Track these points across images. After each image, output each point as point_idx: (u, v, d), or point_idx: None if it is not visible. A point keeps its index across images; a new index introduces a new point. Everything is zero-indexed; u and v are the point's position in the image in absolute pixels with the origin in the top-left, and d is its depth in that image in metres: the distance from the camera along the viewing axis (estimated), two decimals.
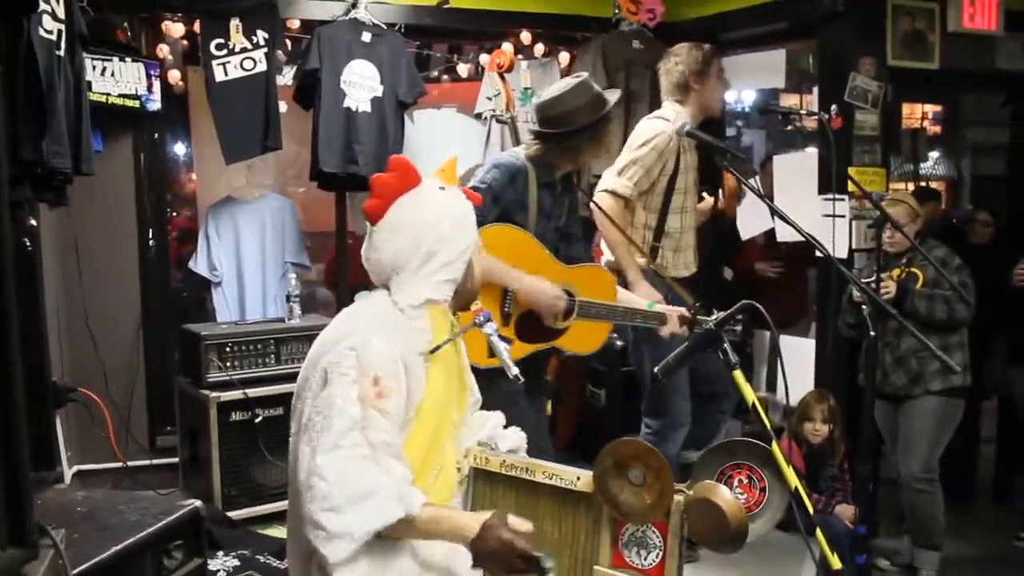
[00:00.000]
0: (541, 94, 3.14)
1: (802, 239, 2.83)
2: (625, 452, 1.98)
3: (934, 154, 8.00)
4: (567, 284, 3.09)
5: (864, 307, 3.29)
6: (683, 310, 3.28)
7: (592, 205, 3.53)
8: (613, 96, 3.12)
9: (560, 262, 3.11)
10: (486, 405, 2.34)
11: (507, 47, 4.83)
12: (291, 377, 3.94)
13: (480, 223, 2.65)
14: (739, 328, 3.31)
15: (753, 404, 2.05)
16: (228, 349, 3.91)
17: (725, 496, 1.91)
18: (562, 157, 3.05)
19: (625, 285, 3.55)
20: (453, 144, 4.76)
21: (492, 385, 2.91)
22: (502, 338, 2.21)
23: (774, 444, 2.00)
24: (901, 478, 3.83)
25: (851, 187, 4.20)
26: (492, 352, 2.19)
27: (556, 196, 3.12)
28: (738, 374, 2.06)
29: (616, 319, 3.21)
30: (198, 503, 2.26)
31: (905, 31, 4.42)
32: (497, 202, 2.94)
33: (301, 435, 1.94)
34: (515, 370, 2.10)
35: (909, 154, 7.48)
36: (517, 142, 4.45)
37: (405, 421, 1.95)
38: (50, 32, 2.81)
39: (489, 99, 4.64)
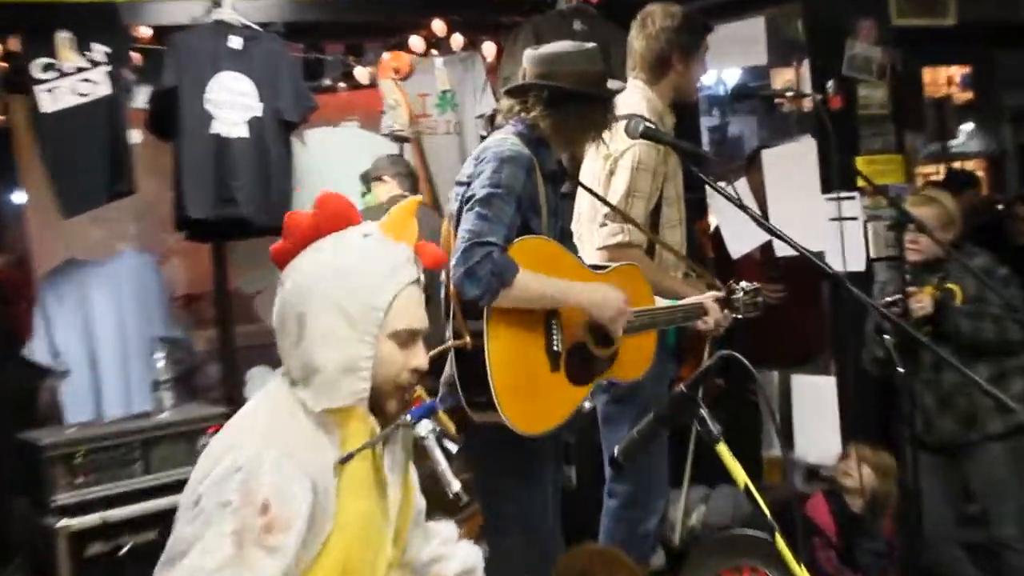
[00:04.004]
0: (539, 48, 3.08)
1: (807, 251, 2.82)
2: (590, 565, 1.92)
3: (967, 127, 8.09)
4: None
5: (886, 336, 3.35)
6: (715, 293, 3.38)
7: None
8: (616, 85, 3.16)
9: (590, 270, 3.13)
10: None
11: (417, 42, 4.82)
12: (165, 490, 3.90)
13: (506, 238, 2.77)
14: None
15: (746, 486, 2.01)
16: (79, 459, 3.76)
17: None
18: (556, 130, 3.01)
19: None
20: (358, 169, 4.86)
21: (482, 466, 2.94)
22: (448, 437, 2.07)
23: (778, 536, 1.94)
24: (993, 546, 3.83)
25: (861, 181, 4.24)
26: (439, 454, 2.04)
27: (556, 185, 3.11)
28: (723, 449, 2.02)
29: (660, 325, 3.29)
30: None
31: None
32: (520, 207, 2.88)
33: None
34: (456, 486, 2.00)
35: (936, 130, 7.55)
36: (425, 165, 4.51)
37: (309, 558, 1.87)
38: None
39: (384, 112, 4.60)
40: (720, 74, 6.43)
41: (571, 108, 2.99)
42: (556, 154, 3.09)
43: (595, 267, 3.20)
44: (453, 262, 2.70)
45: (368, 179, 4.77)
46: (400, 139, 4.61)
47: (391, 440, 2.03)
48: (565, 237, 3.21)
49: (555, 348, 2.93)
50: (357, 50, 5.01)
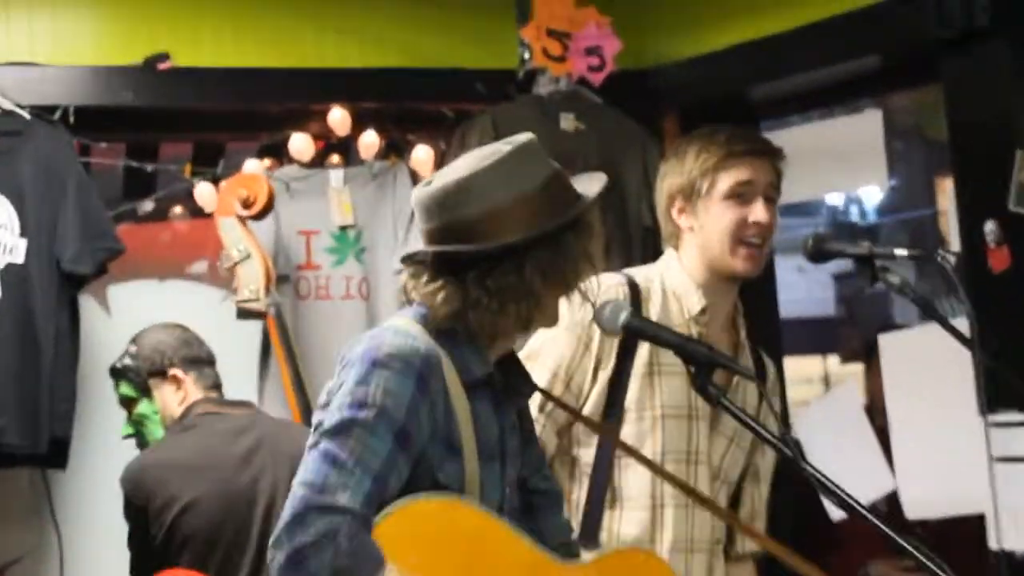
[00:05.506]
0: (432, 178, 2.80)
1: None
2: None
3: None
4: None
5: None
6: None
7: None
8: (591, 185, 2.86)
9: (558, 559, 2.82)
10: None
11: (301, 143, 4.63)
12: None
13: (370, 499, 2.62)
14: None
15: None
16: None
17: None
18: (492, 313, 2.74)
19: None
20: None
21: None
22: None
23: None
24: None
25: None
26: None
27: (501, 405, 2.84)
28: None
29: None
30: None
31: None
32: (406, 446, 2.60)
33: None
34: None
35: None
36: (290, 348, 4.46)
37: None
38: None
39: (227, 268, 4.42)
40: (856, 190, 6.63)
41: (499, 273, 2.67)
42: (496, 344, 2.80)
43: (560, 548, 2.86)
44: (273, 539, 2.43)
45: (138, 379, 4.25)
46: (250, 315, 4.34)
47: None
48: (524, 491, 2.93)
49: None
50: (208, 155, 4.76)
